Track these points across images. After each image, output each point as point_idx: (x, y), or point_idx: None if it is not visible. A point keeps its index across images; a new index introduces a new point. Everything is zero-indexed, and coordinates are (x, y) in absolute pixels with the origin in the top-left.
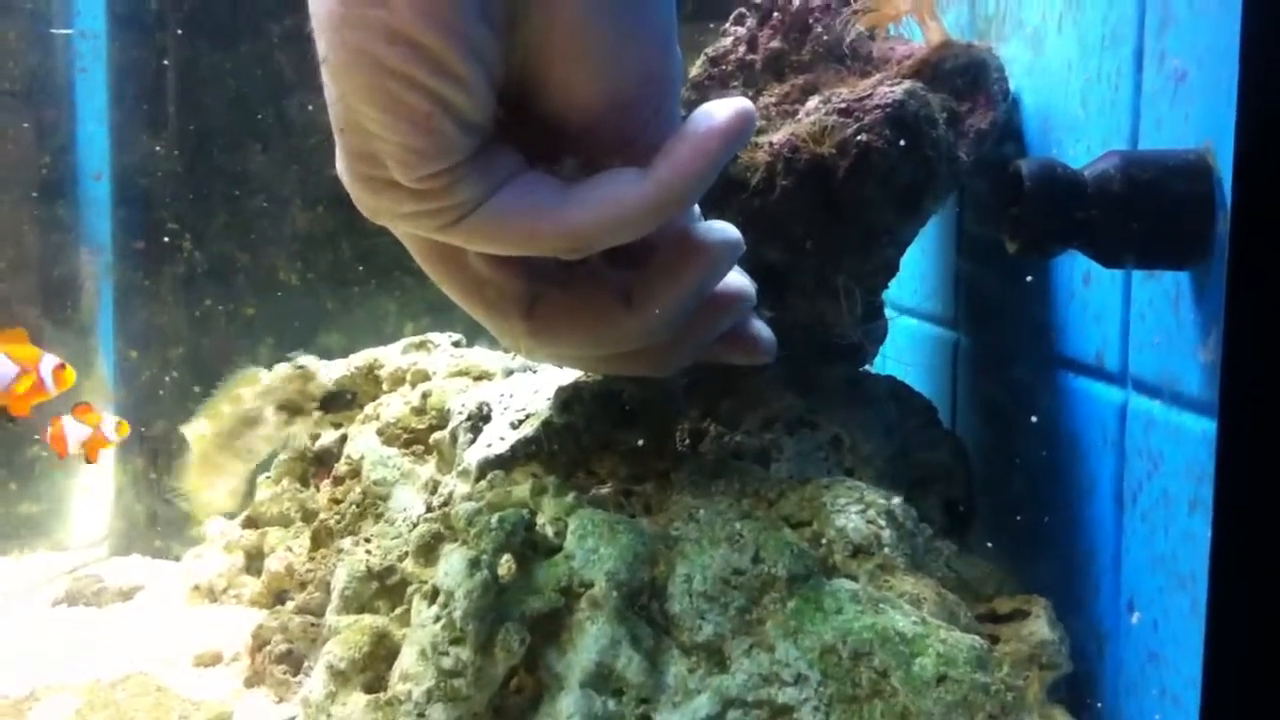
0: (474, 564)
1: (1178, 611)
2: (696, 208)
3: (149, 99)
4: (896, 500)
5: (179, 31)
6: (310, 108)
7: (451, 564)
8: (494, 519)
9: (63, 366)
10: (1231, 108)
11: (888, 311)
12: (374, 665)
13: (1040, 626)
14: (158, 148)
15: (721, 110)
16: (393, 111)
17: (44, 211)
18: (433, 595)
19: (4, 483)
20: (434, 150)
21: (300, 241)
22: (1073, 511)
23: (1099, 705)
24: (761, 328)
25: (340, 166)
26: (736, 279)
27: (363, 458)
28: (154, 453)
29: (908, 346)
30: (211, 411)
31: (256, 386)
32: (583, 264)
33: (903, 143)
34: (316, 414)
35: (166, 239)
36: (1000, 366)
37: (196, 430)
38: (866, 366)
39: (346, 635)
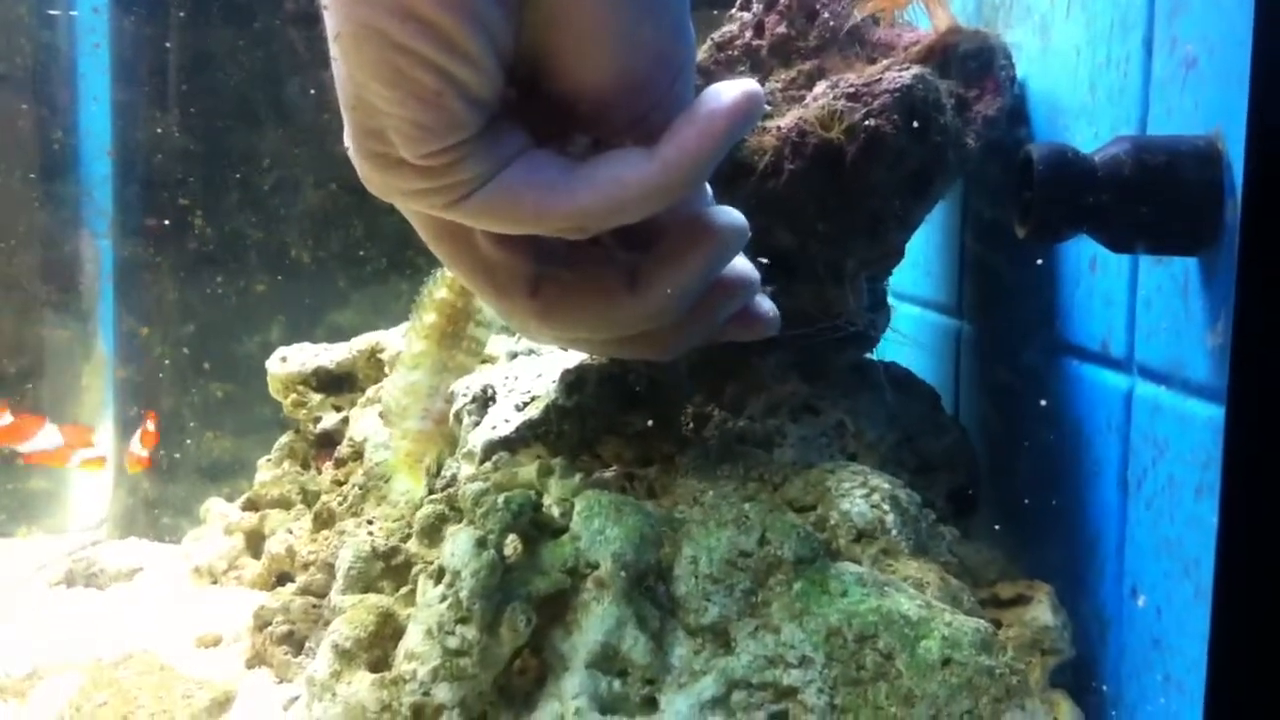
0: (481, 544)
1: (1181, 597)
2: (709, 190)
3: (155, 77)
4: (900, 485)
5: (181, 14)
6: (312, 90)
7: (458, 544)
8: (500, 499)
9: None
10: (1242, 94)
11: (890, 299)
12: (379, 644)
13: (1043, 612)
14: (161, 127)
15: (729, 91)
16: (401, 87)
17: (47, 190)
18: (439, 575)
19: (13, 458)
20: (441, 126)
21: (312, 219)
22: (1076, 497)
23: (1103, 690)
24: (765, 303)
25: (348, 143)
26: (741, 265)
27: (365, 440)
28: (162, 432)
29: (909, 334)
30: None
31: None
32: (593, 245)
33: (912, 128)
34: (318, 397)
35: (177, 217)
36: (1004, 353)
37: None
38: (870, 353)
39: (352, 614)
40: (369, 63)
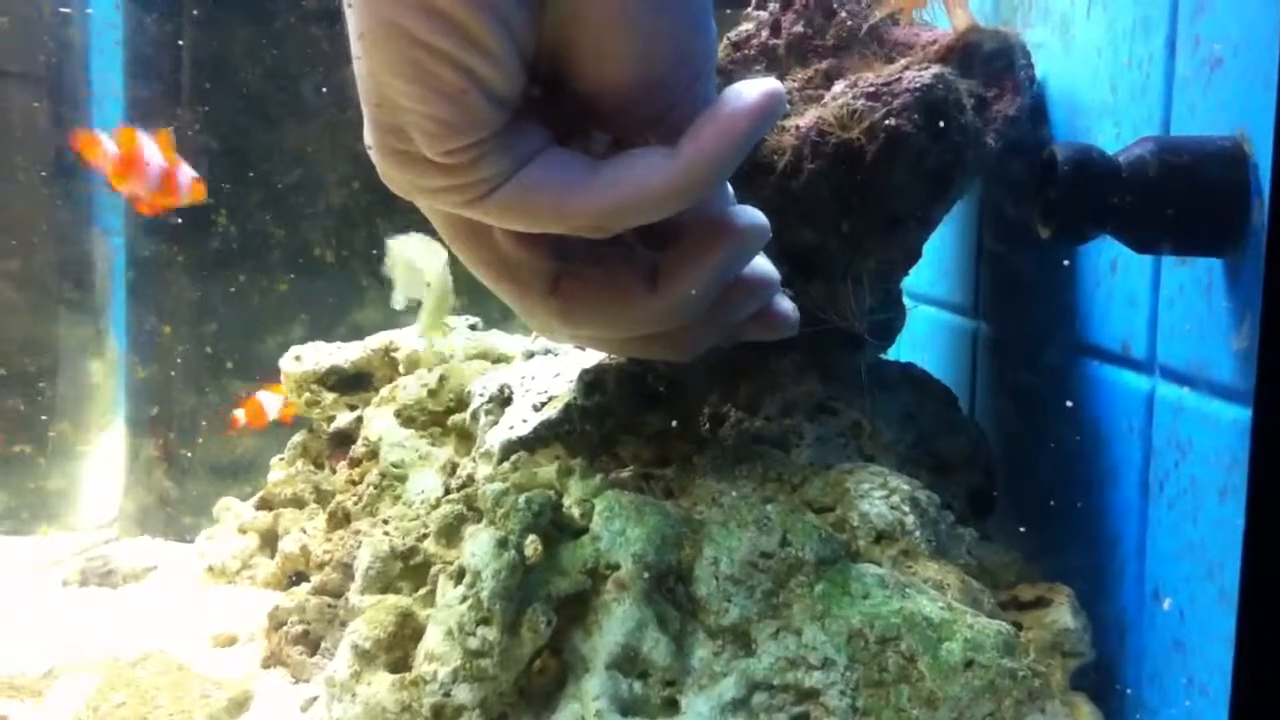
0: (501, 544)
1: (1205, 600)
2: (730, 190)
3: (172, 74)
4: (920, 486)
5: (197, 11)
6: (327, 89)
7: (478, 544)
8: (521, 499)
9: (201, 180)
10: (1268, 94)
11: (906, 300)
12: (399, 645)
13: (1063, 614)
14: (179, 125)
15: (751, 90)
16: (423, 84)
17: (62, 188)
18: (459, 575)
19: (33, 457)
20: (462, 123)
21: (335, 218)
22: (1097, 499)
23: (1125, 693)
24: (784, 303)
25: (369, 141)
26: (761, 264)
27: (380, 439)
28: (181, 430)
29: (926, 335)
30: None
31: None
32: (614, 243)
33: (932, 127)
34: (332, 396)
35: (195, 215)
36: (1023, 354)
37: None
38: (885, 354)
39: (371, 615)
40: (392, 60)
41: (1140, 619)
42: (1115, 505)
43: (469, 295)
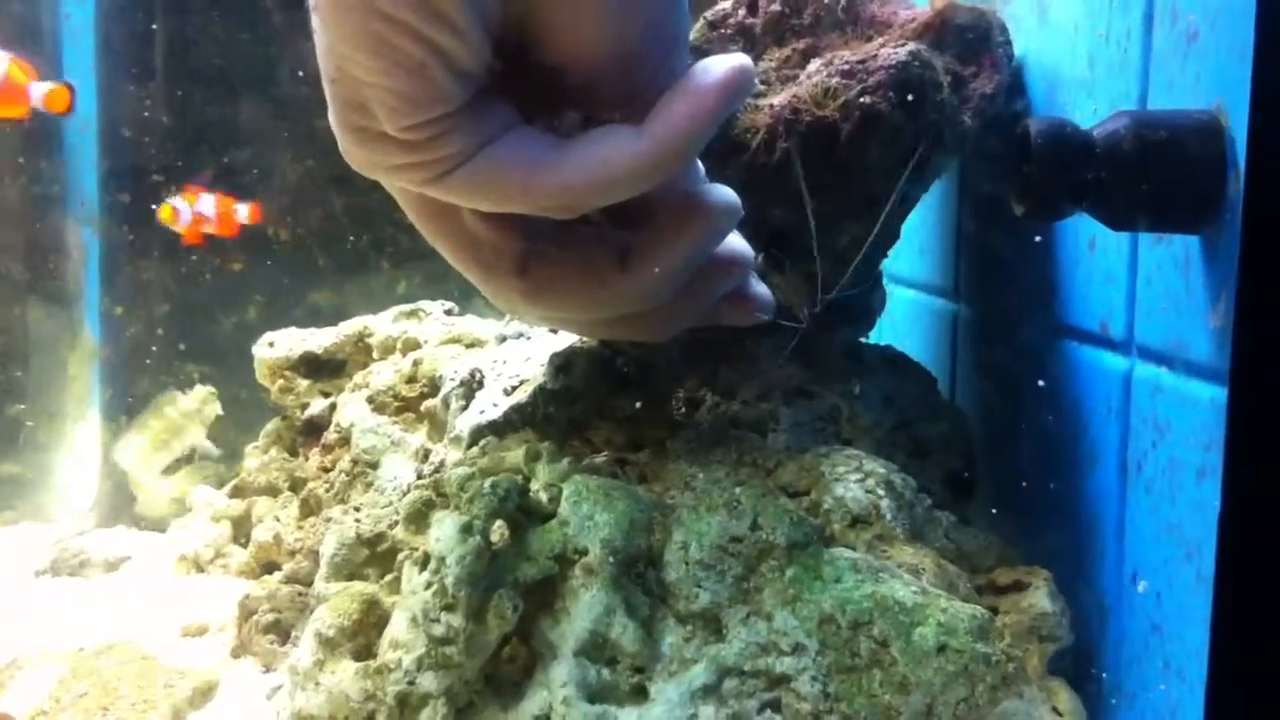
0: (466, 529)
1: (1183, 583)
2: (701, 168)
3: (136, 49)
4: (896, 470)
5: None
6: (296, 70)
7: (444, 530)
8: (487, 484)
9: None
10: (1245, 67)
11: (885, 282)
12: (363, 633)
13: (1040, 598)
14: (145, 99)
15: (719, 66)
16: (384, 57)
17: (29, 168)
18: (424, 561)
19: None
20: (425, 98)
21: (291, 196)
22: (1075, 482)
23: (1102, 677)
24: (758, 286)
25: (330, 117)
26: (734, 243)
27: (352, 426)
28: (137, 413)
29: (906, 318)
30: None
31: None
32: (583, 223)
33: (907, 105)
34: (305, 383)
35: (150, 194)
36: (1001, 336)
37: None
38: (865, 337)
39: (335, 602)
40: (352, 32)
41: (1119, 602)
42: (1094, 487)
43: (427, 276)
